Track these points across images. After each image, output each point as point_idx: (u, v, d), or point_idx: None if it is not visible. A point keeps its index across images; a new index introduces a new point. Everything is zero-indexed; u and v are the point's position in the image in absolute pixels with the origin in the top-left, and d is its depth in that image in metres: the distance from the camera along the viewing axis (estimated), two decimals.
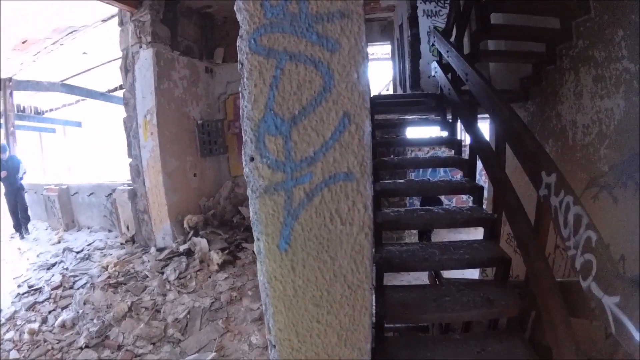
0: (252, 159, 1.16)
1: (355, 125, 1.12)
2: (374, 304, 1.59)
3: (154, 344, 3.58)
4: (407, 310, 2.27)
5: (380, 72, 11.29)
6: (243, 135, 1.16)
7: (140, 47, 5.41)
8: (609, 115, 2.77)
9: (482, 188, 3.07)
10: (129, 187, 5.87)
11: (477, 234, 6.53)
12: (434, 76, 4.30)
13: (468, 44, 3.57)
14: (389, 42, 9.32)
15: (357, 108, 1.11)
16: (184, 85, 5.95)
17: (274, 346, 1.43)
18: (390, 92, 9.84)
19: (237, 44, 1.07)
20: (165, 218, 5.46)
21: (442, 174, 9.95)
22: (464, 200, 9.46)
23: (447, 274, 4.12)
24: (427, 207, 3.09)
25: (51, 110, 11.94)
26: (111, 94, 10.44)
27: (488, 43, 4.21)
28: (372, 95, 1.27)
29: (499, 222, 2.72)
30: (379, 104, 4.20)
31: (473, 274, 5.65)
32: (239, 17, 1.11)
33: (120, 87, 9.87)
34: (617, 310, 1.31)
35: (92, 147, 14.32)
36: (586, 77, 2.97)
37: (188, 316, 3.78)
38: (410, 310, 2.28)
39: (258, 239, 1.26)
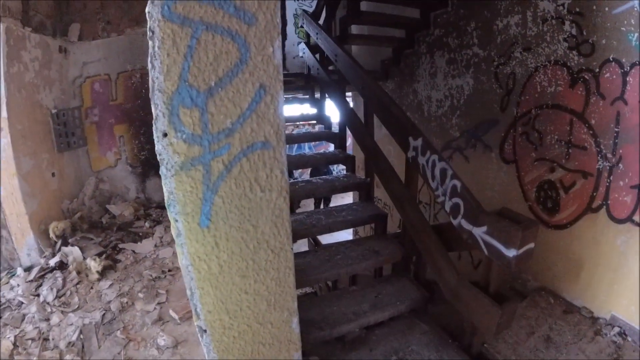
0: (165, 135, 1.07)
1: (270, 96, 1.13)
2: None
3: None
4: (307, 273, 2.41)
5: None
6: (153, 109, 1.05)
7: None
8: (459, 91, 3.28)
9: (354, 157, 3.35)
10: None
11: (347, 198, 6.97)
12: (301, 57, 4.45)
13: (337, 27, 3.80)
14: None
15: (272, 80, 1.12)
16: (36, 68, 4.79)
17: (205, 331, 1.36)
18: None
19: (147, 9, 0.95)
20: (28, 230, 4.44)
21: (307, 149, 10.46)
22: None
23: (325, 240, 4.40)
24: (308, 179, 3.26)
25: None
26: None
27: (352, 27, 4.55)
28: None
29: (371, 185, 3.04)
30: None
31: (347, 237, 6.16)
32: None
33: None
34: (486, 237, 1.62)
35: None
36: (440, 60, 3.46)
37: (82, 336, 3.21)
38: (309, 272, 2.43)
39: (176, 220, 1.18)
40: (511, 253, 1.47)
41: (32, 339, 3.28)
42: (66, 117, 5.43)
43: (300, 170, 10.13)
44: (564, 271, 2.47)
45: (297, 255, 2.65)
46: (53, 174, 5.11)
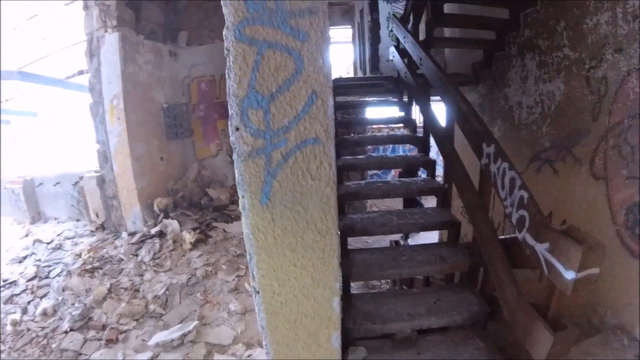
0: (237, 129, 1.45)
1: (321, 100, 1.44)
2: None
3: (137, 320, 3.85)
4: (370, 269, 2.58)
5: (341, 55, 11.62)
6: (229, 109, 1.43)
7: (106, 31, 5.48)
8: (550, 97, 3.15)
9: (434, 162, 3.44)
10: (97, 174, 5.96)
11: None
12: (392, 60, 4.62)
13: (424, 31, 3.92)
14: (350, 26, 9.60)
15: (322, 87, 1.43)
16: (149, 69, 6.07)
17: (258, 292, 1.73)
18: (352, 74, 10.19)
19: (224, 33, 1.35)
20: (135, 202, 5.64)
21: (400, 152, 10.52)
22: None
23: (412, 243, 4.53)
24: (385, 180, 3.45)
25: (6, 100, 11.42)
26: (69, 80, 10.15)
27: (444, 30, 4.59)
28: (333, 78, 1.59)
29: (449, 191, 3.09)
30: (341, 86, 4.50)
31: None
32: (225, 10, 1.38)
33: (80, 73, 9.62)
34: (547, 254, 1.56)
35: (51, 136, 13.85)
36: (531, 63, 3.36)
37: (167, 292, 4.06)
38: (372, 268, 2.59)
39: (243, 197, 1.55)
40: (569, 275, 1.42)
41: (125, 289, 4.23)
42: (175, 111, 6.66)
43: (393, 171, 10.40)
44: None
45: (366, 250, 2.89)
46: (162, 158, 6.32)
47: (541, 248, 1.63)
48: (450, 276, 3.20)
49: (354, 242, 3.99)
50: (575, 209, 2.90)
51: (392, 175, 10.69)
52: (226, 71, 1.39)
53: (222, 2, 1.37)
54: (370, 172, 9.87)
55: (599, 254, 1.40)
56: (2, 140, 12.60)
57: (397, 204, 9.06)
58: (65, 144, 13.04)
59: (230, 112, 1.44)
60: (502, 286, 2.06)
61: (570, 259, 1.42)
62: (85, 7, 5.76)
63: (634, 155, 2.36)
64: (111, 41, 5.44)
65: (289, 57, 1.37)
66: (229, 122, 1.46)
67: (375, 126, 10.47)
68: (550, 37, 3.06)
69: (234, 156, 1.50)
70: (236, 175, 1.52)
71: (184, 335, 3.47)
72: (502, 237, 2.30)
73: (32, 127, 13.57)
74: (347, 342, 2.27)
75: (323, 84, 1.42)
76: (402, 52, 4.15)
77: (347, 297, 2.53)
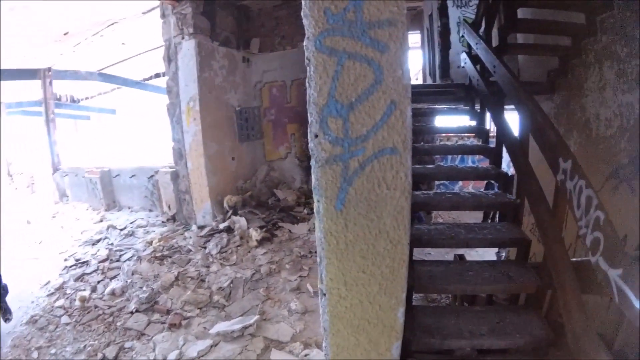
0: (316, 136, 1.50)
1: (399, 110, 1.45)
2: None
3: (200, 308, 4.06)
4: (434, 282, 2.52)
5: (409, 61, 11.42)
6: (309, 117, 1.49)
7: (183, 38, 5.90)
8: (629, 110, 2.89)
9: (506, 175, 3.28)
10: (171, 169, 6.43)
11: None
12: (463, 67, 4.47)
13: (497, 37, 3.75)
14: (419, 31, 9.44)
15: (401, 97, 1.44)
16: (223, 74, 6.45)
17: (324, 294, 1.75)
18: (420, 81, 10.00)
19: (304, 44, 1.40)
20: (206, 198, 6.01)
21: (470, 163, 10.12)
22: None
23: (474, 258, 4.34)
24: (455, 191, 3.33)
25: (86, 98, 12.66)
26: (146, 82, 11.03)
27: (517, 36, 4.37)
28: None
29: (521, 206, 2.94)
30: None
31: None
32: (305, 21, 1.44)
33: (156, 76, 10.42)
34: (620, 281, 1.48)
35: (127, 133, 15.12)
36: (609, 72, 3.09)
37: (231, 285, 4.27)
38: (436, 281, 2.53)
39: (318, 201, 1.60)
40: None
41: (191, 278, 4.50)
42: (247, 114, 7.04)
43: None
44: None
45: (431, 262, 2.86)
46: (233, 158, 6.73)
47: (614, 274, 1.55)
48: (516, 297, 3.06)
49: (416, 254, 3.91)
50: None
51: (460, 185, 10.37)
52: (307, 80, 1.44)
53: (302, 14, 1.43)
54: (437, 182, 9.65)
55: None
56: (83, 135, 14.01)
57: (465, 216, 8.80)
58: (141, 140, 14.16)
59: (309, 119, 1.49)
60: (570, 312, 1.96)
61: None
62: (163, 16, 6.23)
63: None
64: (188, 47, 5.84)
65: (369, 67, 1.40)
66: (309, 129, 1.51)
67: (443, 135, 10.24)
68: (628, 44, 2.80)
69: (312, 162, 1.55)
70: (313, 181, 1.57)
71: (245, 327, 3.60)
72: (574, 259, 2.21)
73: (111, 124, 14.91)
74: (405, 353, 2.24)
75: (402, 94, 1.43)
76: (474, 59, 4.01)
77: (408, 308, 2.49)
